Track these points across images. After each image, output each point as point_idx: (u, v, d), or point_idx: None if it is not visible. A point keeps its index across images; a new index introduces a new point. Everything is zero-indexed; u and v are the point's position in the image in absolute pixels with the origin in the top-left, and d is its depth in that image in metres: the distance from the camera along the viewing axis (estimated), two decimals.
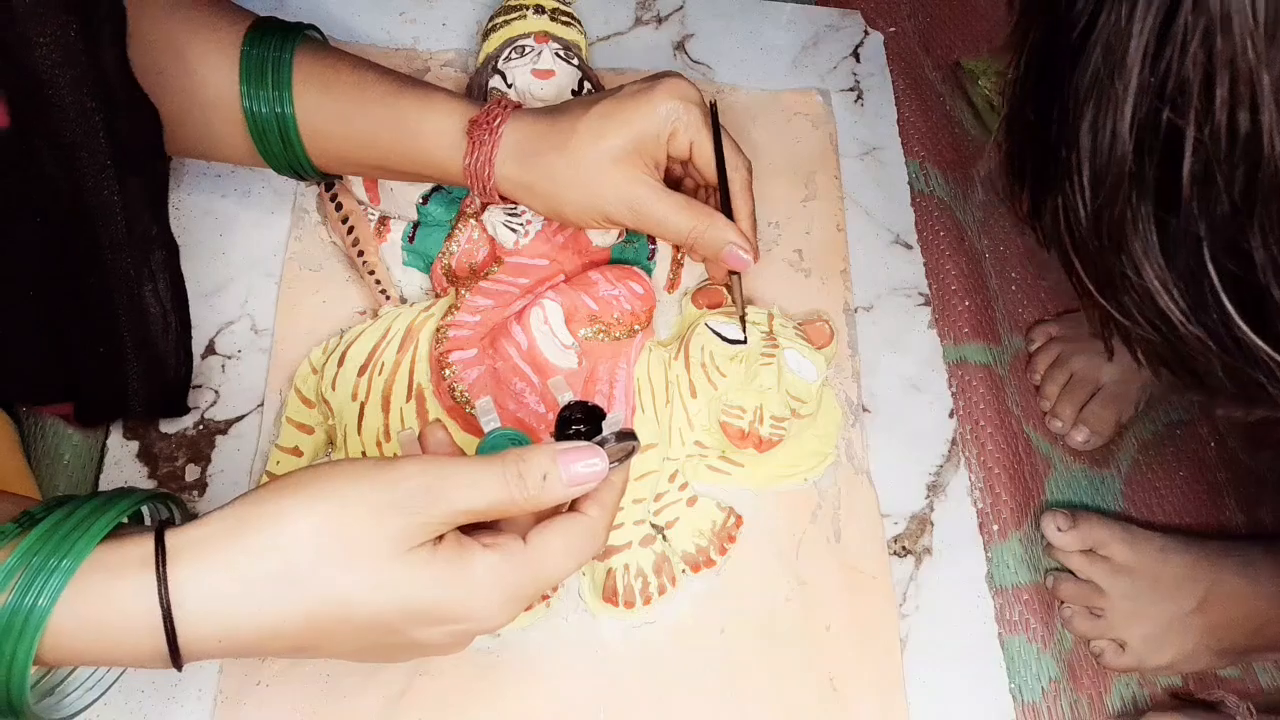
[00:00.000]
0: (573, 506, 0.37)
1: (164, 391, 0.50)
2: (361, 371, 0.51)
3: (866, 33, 0.77)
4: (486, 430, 0.42)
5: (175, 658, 0.31)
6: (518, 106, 0.49)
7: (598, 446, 0.35)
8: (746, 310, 0.56)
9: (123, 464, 0.51)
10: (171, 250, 0.47)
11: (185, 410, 0.52)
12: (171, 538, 0.32)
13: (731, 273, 0.53)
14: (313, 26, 0.50)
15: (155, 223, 0.45)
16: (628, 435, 0.37)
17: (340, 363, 0.51)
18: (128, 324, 0.44)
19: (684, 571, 0.52)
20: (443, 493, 0.33)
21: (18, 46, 0.34)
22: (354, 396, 0.50)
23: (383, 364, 0.51)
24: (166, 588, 0.31)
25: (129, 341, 0.44)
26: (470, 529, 0.35)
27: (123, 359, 0.45)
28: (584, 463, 0.34)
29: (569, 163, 0.47)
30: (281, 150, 0.48)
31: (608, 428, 0.39)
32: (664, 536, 0.53)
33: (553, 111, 0.49)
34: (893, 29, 0.79)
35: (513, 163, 0.48)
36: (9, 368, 0.42)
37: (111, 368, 0.45)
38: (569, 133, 0.47)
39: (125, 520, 0.33)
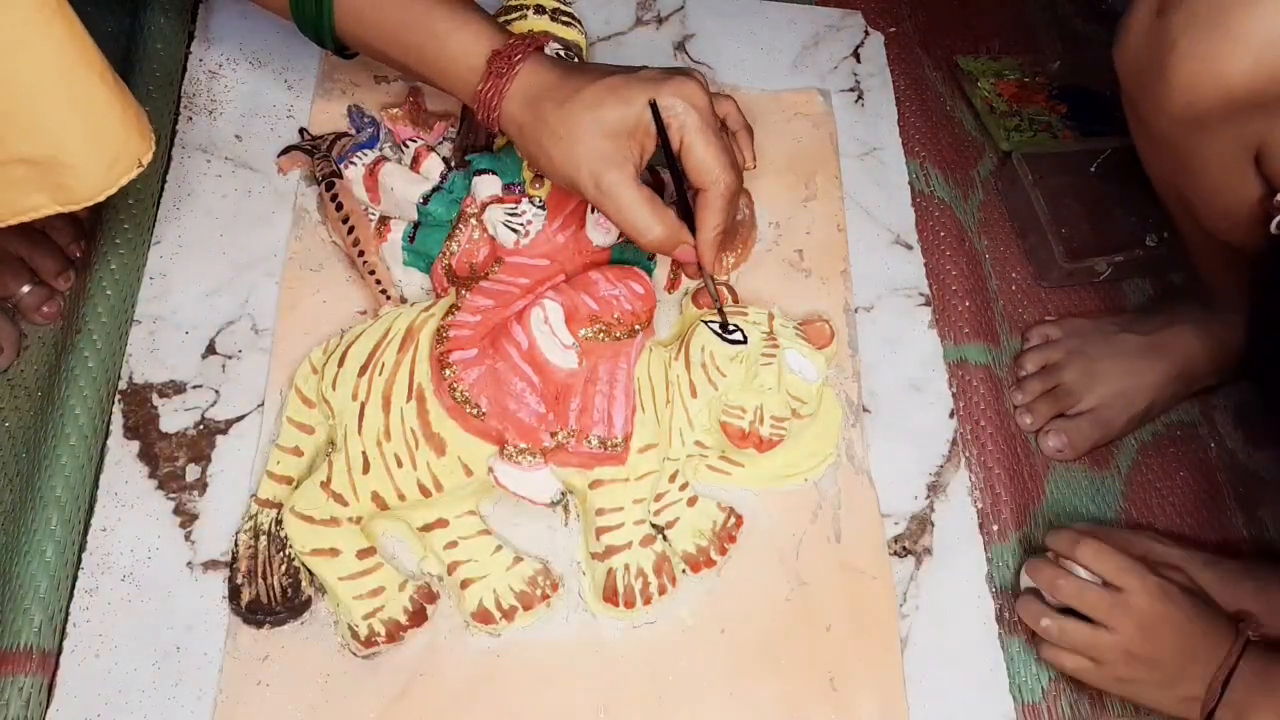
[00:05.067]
0: None
1: None
2: (362, 371, 0.51)
3: (867, 33, 0.77)
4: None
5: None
6: (540, 49, 0.51)
7: None
8: (747, 310, 0.56)
9: (123, 464, 0.51)
10: None
11: None
12: None
13: (700, 268, 0.53)
14: None
15: None
16: None
17: (341, 362, 0.51)
18: None
19: (684, 571, 0.52)
20: None
21: None
22: (354, 396, 0.50)
23: (383, 364, 0.51)
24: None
25: None
26: None
27: None
28: None
29: (562, 117, 0.48)
30: (314, 9, 0.50)
31: None
32: (664, 536, 0.53)
33: (570, 67, 0.50)
34: (893, 29, 0.79)
35: (518, 101, 0.50)
36: None
37: None
38: (573, 91, 0.48)
39: None
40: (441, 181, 0.57)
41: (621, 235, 0.57)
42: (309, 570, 0.49)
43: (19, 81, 0.38)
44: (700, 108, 0.49)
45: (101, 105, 0.41)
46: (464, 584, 0.49)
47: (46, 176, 0.41)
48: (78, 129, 0.40)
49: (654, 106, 0.48)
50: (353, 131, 0.62)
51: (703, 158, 0.49)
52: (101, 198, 0.42)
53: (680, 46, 0.73)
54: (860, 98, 0.74)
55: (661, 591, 0.51)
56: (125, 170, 0.42)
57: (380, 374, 0.51)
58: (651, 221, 0.49)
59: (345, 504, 0.49)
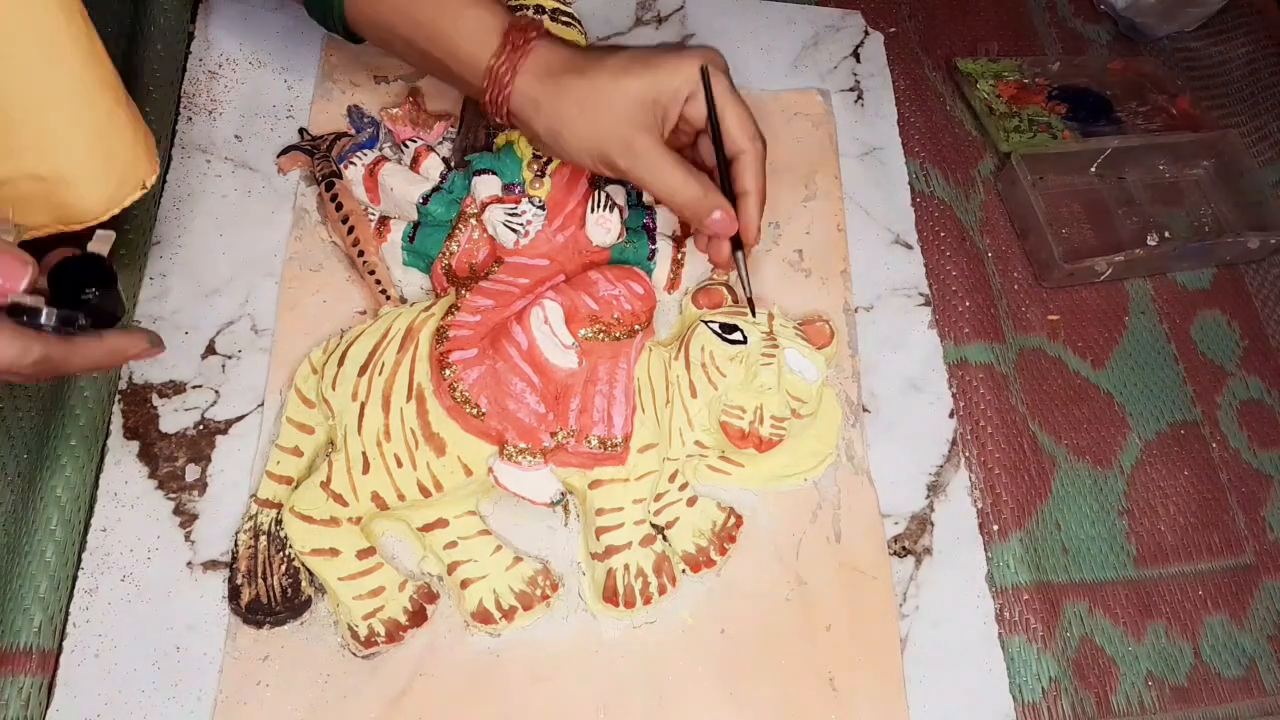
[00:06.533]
0: None
1: None
2: (362, 371, 0.51)
3: (866, 33, 0.77)
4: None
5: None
6: (549, 32, 0.51)
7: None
8: (747, 310, 0.56)
9: (123, 464, 0.51)
10: None
11: None
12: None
13: (735, 250, 0.53)
14: None
15: None
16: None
17: (340, 362, 0.51)
18: None
19: (684, 571, 0.52)
20: None
21: None
22: (354, 396, 0.50)
23: (383, 364, 0.51)
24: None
25: None
26: None
27: None
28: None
29: (586, 86, 0.48)
30: None
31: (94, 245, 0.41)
32: (664, 536, 0.53)
33: (583, 48, 0.51)
34: (893, 29, 0.79)
35: (531, 77, 0.49)
36: None
37: None
38: (595, 62, 0.49)
39: None
40: (441, 181, 0.57)
41: (622, 234, 0.57)
42: (309, 570, 0.49)
43: (44, 97, 0.38)
44: (728, 75, 0.50)
45: (117, 127, 0.41)
46: (464, 584, 0.49)
47: (53, 194, 0.41)
48: (92, 149, 0.41)
49: (705, 73, 0.49)
50: (352, 131, 0.62)
51: (740, 121, 0.50)
52: (105, 217, 0.43)
53: (680, 47, 0.73)
54: (860, 98, 0.73)
55: (661, 591, 0.51)
56: (130, 191, 0.43)
57: (380, 374, 0.51)
58: (689, 180, 0.49)
59: (345, 504, 0.49)
